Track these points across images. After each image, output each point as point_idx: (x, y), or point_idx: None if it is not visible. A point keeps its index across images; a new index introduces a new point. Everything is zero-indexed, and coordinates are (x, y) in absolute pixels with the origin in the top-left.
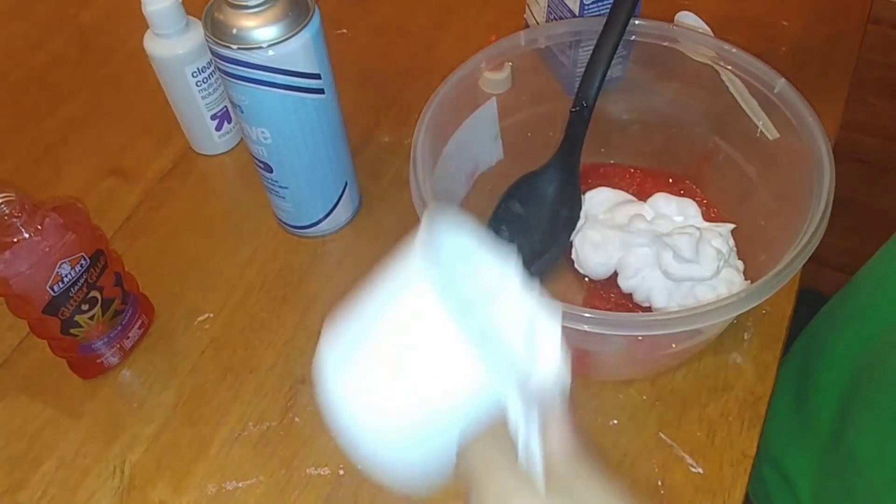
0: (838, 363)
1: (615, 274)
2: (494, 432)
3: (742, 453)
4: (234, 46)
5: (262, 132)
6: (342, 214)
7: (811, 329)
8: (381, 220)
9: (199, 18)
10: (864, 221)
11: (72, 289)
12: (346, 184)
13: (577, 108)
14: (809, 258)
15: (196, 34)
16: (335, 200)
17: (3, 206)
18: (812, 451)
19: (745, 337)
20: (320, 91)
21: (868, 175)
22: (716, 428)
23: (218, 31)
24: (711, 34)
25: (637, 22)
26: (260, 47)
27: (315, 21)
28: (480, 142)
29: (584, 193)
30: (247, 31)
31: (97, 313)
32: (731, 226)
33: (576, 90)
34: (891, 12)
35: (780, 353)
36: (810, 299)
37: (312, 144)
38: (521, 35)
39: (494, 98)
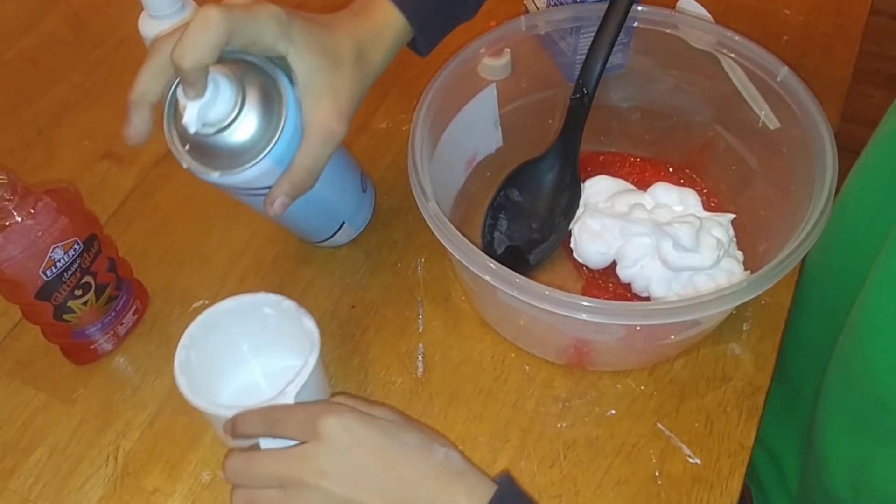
0: (810, 342)
1: (614, 263)
2: None
3: (740, 444)
4: (217, 174)
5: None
6: (348, 233)
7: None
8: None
9: None
10: None
11: (65, 274)
12: (353, 210)
13: (578, 96)
14: None
15: (191, 16)
16: (338, 227)
17: None
18: (794, 428)
19: (744, 328)
20: None
21: None
22: (714, 418)
23: (196, 156)
24: (713, 21)
25: (639, 8)
26: (234, 171)
27: (290, 124)
28: (480, 128)
29: (583, 182)
30: (222, 158)
31: (91, 299)
32: (732, 216)
33: (576, 77)
34: (890, 3)
35: (779, 344)
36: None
37: (319, 201)
38: (520, 20)
39: (494, 84)
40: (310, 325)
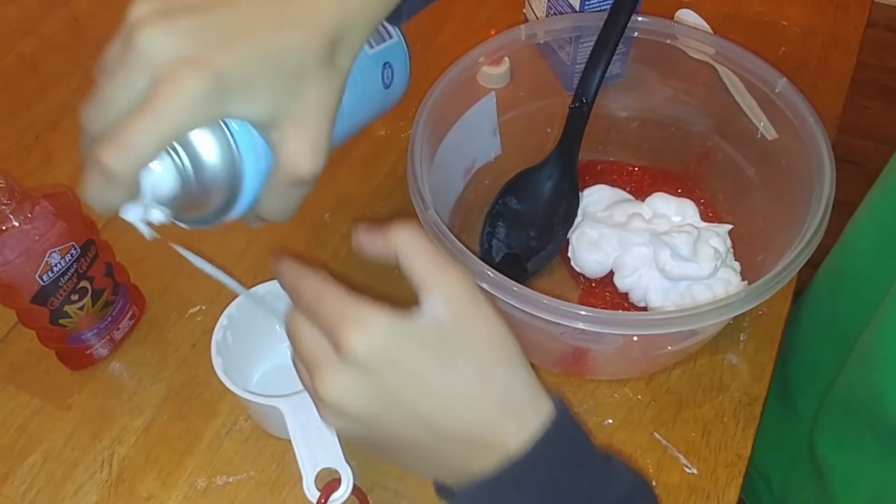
0: (814, 365)
1: (611, 272)
2: None
3: (737, 455)
4: (186, 225)
5: None
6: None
7: (788, 327)
8: (377, 214)
9: None
10: None
11: (61, 279)
12: None
13: (577, 105)
14: None
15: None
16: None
17: None
18: (788, 449)
19: (741, 338)
20: None
21: (862, 178)
22: (710, 428)
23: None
24: (711, 32)
25: (638, 19)
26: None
27: (250, 176)
28: (479, 136)
29: (581, 190)
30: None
31: (87, 304)
32: (729, 226)
33: (575, 86)
34: (886, 15)
35: (776, 355)
36: (800, 300)
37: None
38: (520, 30)
39: (494, 92)
40: None
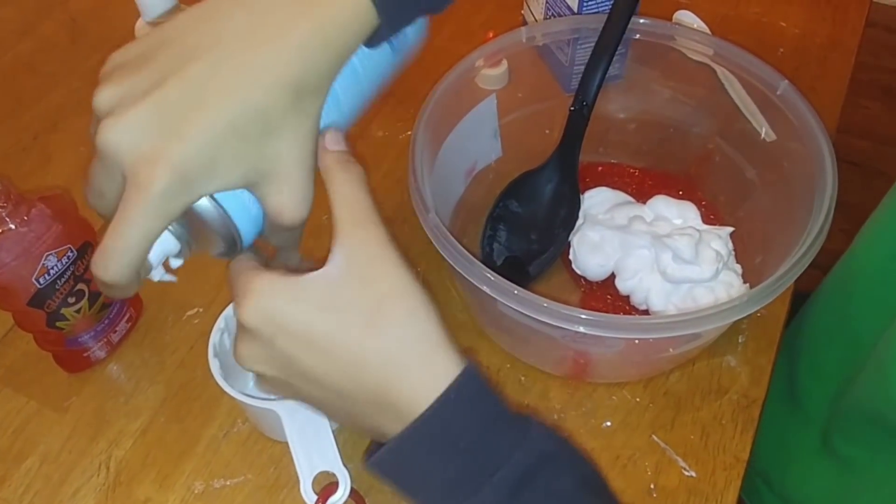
0: (827, 369)
1: (612, 275)
2: None
3: (735, 457)
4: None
5: None
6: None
7: (794, 329)
8: None
9: None
10: (856, 224)
11: (58, 281)
12: None
13: (577, 107)
14: None
15: None
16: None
17: None
18: (797, 453)
19: (740, 340)
20: None
21: (861, 178)
22: (709, 431)
23: None
24: (710, 33)
25: (636, 20)
26: None
27: (247, 234)
28: (479, 138)
29: (582, 193)
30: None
31: (84, 306)
32: (731, 229)
33: (574, 88)
34: (885, 16)
35: (775, 357)
36: (797, 301)
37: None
38: (519, 32)
39: (494, 94)
40: None
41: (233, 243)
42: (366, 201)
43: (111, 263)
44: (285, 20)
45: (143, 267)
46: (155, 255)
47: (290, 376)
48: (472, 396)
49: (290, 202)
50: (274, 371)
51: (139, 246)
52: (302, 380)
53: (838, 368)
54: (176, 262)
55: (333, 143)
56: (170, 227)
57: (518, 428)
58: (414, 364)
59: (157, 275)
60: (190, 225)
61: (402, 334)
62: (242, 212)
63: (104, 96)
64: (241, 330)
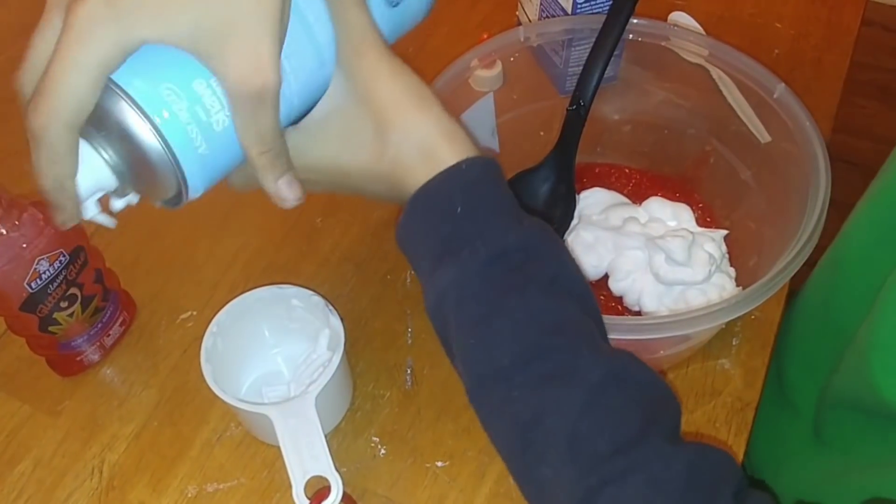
0: (811, 361)
1: (606, 276)
2: None
3: None
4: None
5: None
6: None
7: (784, 325)
8: (369, 217)
9: None
10: None
11: (50, 286)
12: None
13: (574, 107)
14: None
15: None
16: None
17: None
18: (789, 445)
19: (734, 343)
20: None
21: (857, 178)
22: (703, 434)
23: None
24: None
25: (632, 20)
26: None
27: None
28: (477, 136)
29: (578, 193)
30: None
31: (77, 310)
32: (724, 232)
33: (569, 88)
34: (882, 15)
35: (769, 360)
36: (795, 297)
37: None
38: (513, 33)
39: (492, 93)
40: (336, 323)
41: (176, 185)
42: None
43: (43, 105)
44: None
45: (68, 150)
46: (85, 184)
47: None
48: (482, 176)
49: (248, 62)
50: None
51: (71, 89)
52: (316, 174)
53: (825, 360)
54: (117, 204)
55: None
56: (104, 156)
57: (519, 219)
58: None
59: (90, 211)
60: (128, 157)
61: (402, 146)
62: (188, 148)
63: None
64: None
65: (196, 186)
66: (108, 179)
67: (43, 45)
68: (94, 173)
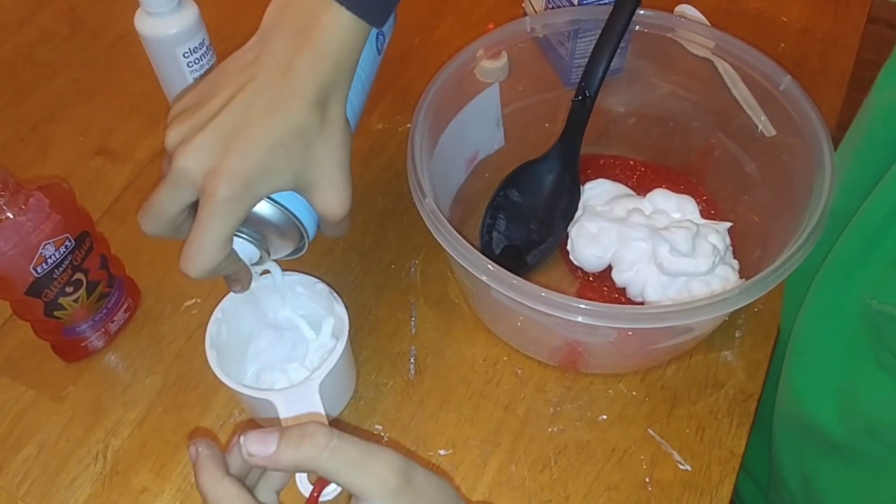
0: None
1: (609, 267)
2: None
3: (730, 452)
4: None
5: None
6: None
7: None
8: (374, 208)
9: None
10: None
11: (56, 270)
12: None
13: (580, 98)
14: None
15: (188, 13)
16: None
17: None
18: (764, 442)
19: (737, 335)
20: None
21: None
22: (705, 425)
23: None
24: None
25: (639, 11)
26: None
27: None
28: (482, 127)
29: (583, 184)
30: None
31: (82, 296)
32: (729, 224)
33: (574, 80)
34: (888, 12)
35: (771, 352)
36: None
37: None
38: (518, 23)
39: (497, 83)
40: (340, 310)
41: (300, 235)
42: (355, 444)
43: (195, 262)
44: (291, 56)
45: (229, 261)
46: (243, 257)
47: None
48: None
49: (333, 202)
50: None
51: (214, 244)
52: None
53: (775, 365)
54: (258, 269)
55: None
56: (247, 237)
57: None
58: None
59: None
60: (263, 231)
61: None
62: (302, 209)
63: (172, 135)
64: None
65: (311, 231)
66: (253, 253)
67: (172, 208)
68: (243, 253)
